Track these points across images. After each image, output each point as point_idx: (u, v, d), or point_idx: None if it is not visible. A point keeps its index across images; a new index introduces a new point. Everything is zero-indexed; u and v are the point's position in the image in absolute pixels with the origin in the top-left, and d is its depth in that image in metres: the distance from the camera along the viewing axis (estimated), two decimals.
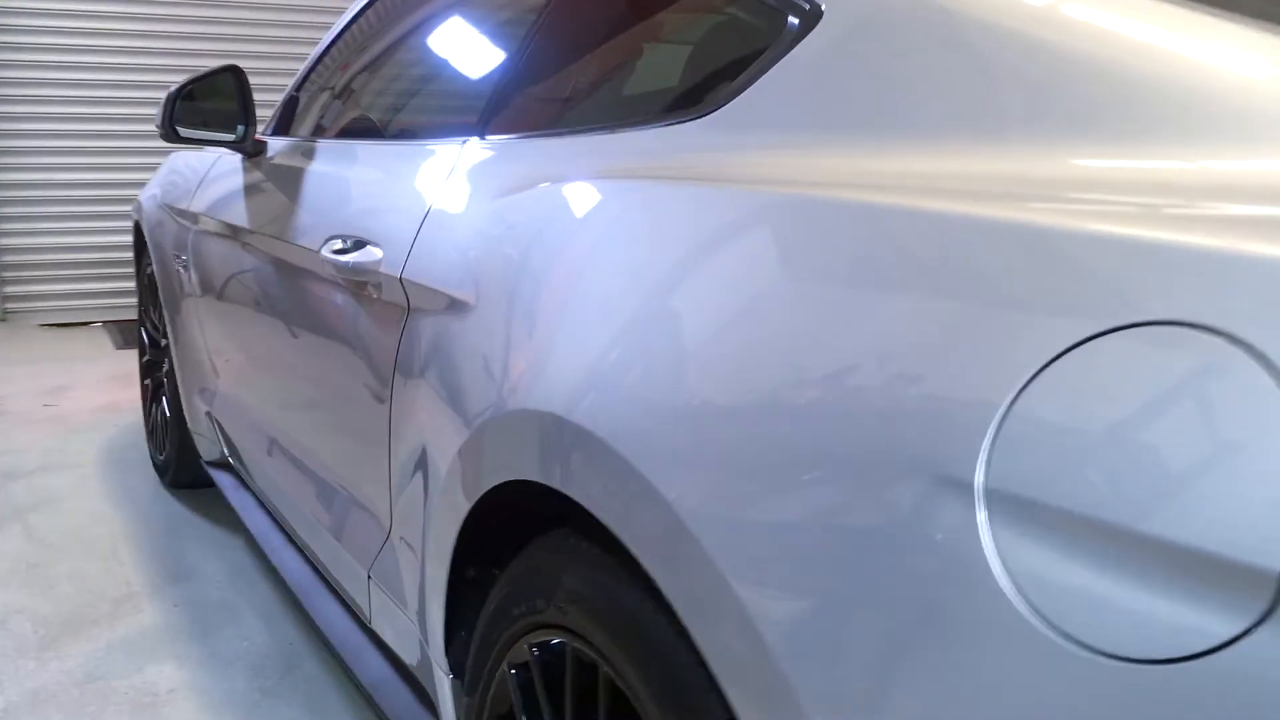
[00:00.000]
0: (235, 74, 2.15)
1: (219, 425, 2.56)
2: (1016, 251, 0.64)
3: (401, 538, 1.46)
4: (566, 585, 0.98)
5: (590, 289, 0.96)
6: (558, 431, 0.93)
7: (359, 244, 1.56)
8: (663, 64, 1.26)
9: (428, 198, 1.45)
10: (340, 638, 1.79)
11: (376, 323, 1.51)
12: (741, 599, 0.72)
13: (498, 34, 1.71)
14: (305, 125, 2.27)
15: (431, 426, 1.28)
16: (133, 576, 2.53)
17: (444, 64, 1.90)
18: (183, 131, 2.13)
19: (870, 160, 0.84)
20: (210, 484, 2.95)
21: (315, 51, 2.26)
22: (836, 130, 0.90)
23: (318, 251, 1.67)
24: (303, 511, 1.94)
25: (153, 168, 5.49)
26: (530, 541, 1.11)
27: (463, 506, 1.14)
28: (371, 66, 2.14)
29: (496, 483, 1.05)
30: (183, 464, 2.99)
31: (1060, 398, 0.58)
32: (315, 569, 2.00)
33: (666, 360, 0.83)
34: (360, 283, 1.55)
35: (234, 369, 2.38)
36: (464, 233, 1.30)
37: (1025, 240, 0.64)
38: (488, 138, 1.44)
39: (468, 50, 1.79)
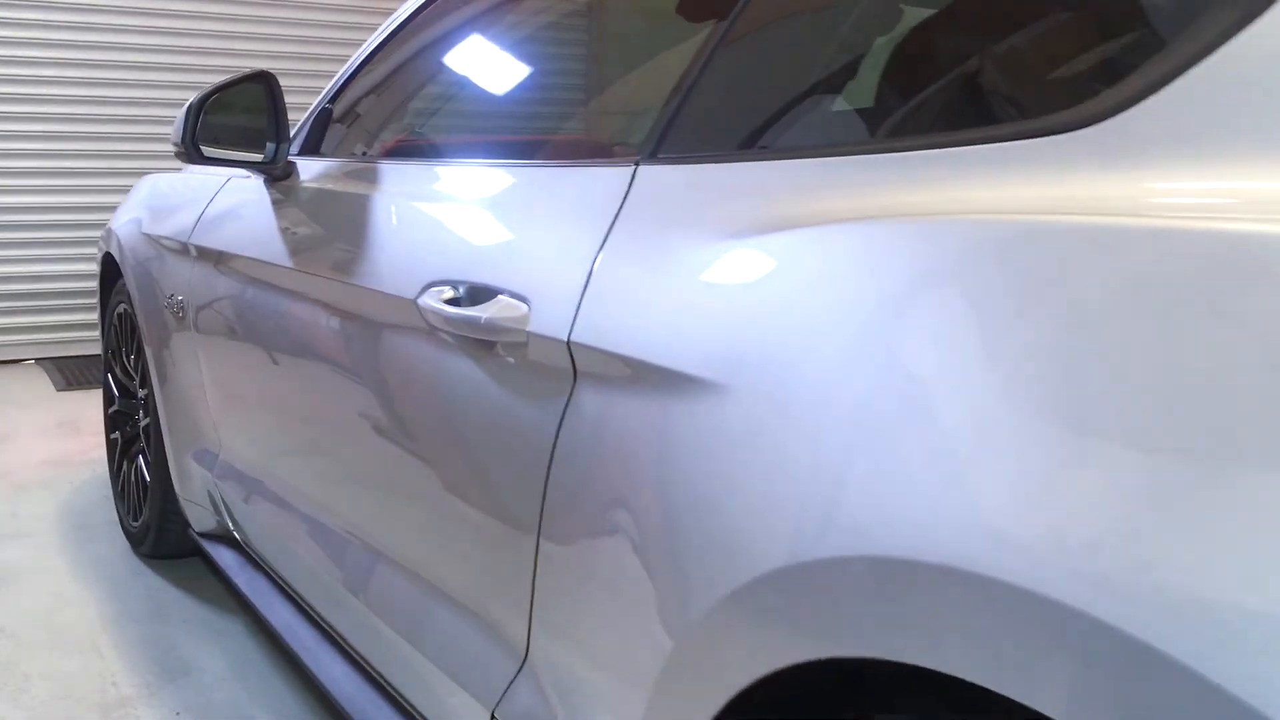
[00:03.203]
0: (267, 81, 1.80)
1: (222, 495, 2.18)
2: None
3: (553, 676, 1.13)
4: None
5: (1017, 374, 0.65)
6: (990, 601, 0.61)
7: (483, 292, 1.23)
8: (987, 52, 0.95)
9: (593, 237, 1.12)
10: None
11: (516, 394, 1.17)
12: None
13: (657, 19, 1.38)
14: (352, 144, 1.91)
15: (642, 545, 0.95)
16: (120, 675, 2.13)
17: (567, 64, 1.57)
18: (207, 151, 1.76)
19: None
20: (196, 553, 2.56)
21: (358, 55, 1.92)
22: None
23: (413, 300, 1.33)
24: (364, 616, 1.58)
25: (93, 190, 5.04)
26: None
27: (732, 680, 0.82)
28: (455, 71, 1.79)
29: (818, 657, 0.73)
30: (164, 532, 2.59)
31: None
32: (376, 684, 1.64)
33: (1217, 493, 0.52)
34: (486, 342, 1.22)
35: (254, 434, 2.00)
36: (683, 284, 0.97)
37: None
38: (667, 160, 1.12)
39: (609, 43, 1.46)
